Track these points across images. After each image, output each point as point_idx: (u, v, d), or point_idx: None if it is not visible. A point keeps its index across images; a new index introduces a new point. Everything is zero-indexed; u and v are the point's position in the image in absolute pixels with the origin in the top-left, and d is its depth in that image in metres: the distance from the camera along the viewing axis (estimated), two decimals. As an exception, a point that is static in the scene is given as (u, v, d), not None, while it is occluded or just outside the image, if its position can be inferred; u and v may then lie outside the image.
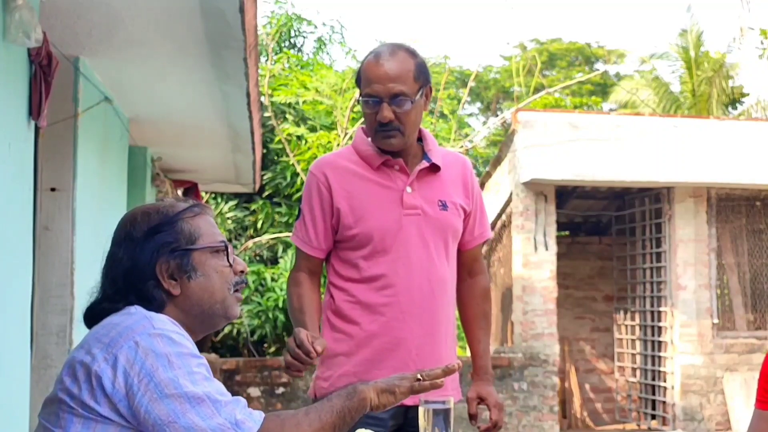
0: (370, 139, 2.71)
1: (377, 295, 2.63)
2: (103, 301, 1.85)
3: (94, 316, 1.85)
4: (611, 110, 19.50)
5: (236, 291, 1.93)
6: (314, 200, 2.68)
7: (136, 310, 1.77)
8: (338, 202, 2.64)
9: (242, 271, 1.95)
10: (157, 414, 1.65)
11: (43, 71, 3.60)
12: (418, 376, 1.92)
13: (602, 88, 22.56)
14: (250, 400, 8.89)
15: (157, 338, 1.70)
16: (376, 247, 2.62)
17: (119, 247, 1.86)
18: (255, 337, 10.09)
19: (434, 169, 2.70)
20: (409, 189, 2.66)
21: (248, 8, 3.83)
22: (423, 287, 2.64)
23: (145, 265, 1.83)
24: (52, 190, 4.46)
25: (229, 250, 1.92)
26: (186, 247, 1.85)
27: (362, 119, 5.90)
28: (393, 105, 2.57)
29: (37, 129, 3.76)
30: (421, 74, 2.62)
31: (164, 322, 1.75)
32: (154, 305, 1.81)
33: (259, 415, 1.73)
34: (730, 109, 18.00)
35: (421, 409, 2.16)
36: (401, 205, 2.64)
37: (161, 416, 1.65)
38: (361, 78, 2.63)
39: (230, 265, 1.91)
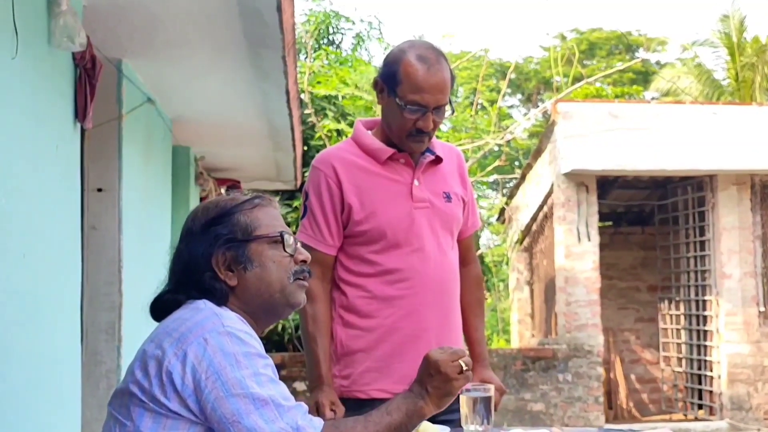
0: (372, 134, 2.70)
1: (393, 289, 2.61)
2: (166, 293, 1.89)
3: (158, 308, 1.90)
4: (653, 99, 19.31)
5: (298, 279, 1.92)
6: (324, 196, 2.63)
7: (205, 306, 1.80)
8: (348, 197, 2.61)
9: (304, 261, 1.94)
10: (222, 412, 1.68)
11: (88, 74, 3.68)
12: (464, 367, 1.89)
13: (644, 77, 22.33)
14: (295, 394, 8.98)
15: (226, 337, 1.72)
16: (389, 242, 2.61)
17: (182, 242, 1.91)
18: (300, 332, 10.16)
19: (437, 161, 2.71)
20: (416, 182, 2.65)
21: (285, 7, 3.87)
22: (438, 278, 2.65)
23: (201, 256, 1.85)
24: (99, 190, 4.55)
25: (286, 240, 1.91)
26: (241, 238, 1.87)
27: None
28: (434, 114, 2.56)
29: (83, 131, 3.85)
30: (453, 80, 2.62)
31: (234, 321, 1.77)
32: (216, 297, 1.83)
33: (318, 422, 1.74)
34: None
35: (462, 398, 2.19)
36: (411, 198, 2.63)
37: (226, 414, 1.68)
38: (402, 80, 2.54)
39: (291, 255, 1.91)
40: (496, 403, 2.77)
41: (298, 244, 1.96)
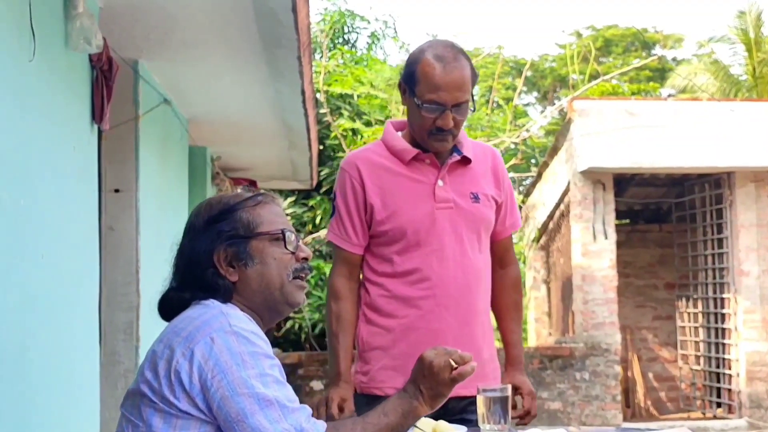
0: (401, 135, 2.72)
1: (412, 289, 2.64)
2: (170, 291, 1.91)
3: (165, 306, 1.92)
4: (670, 96, 19.23)
5: (297, 278, 1.92)
6: (349, 196, 2.69)
7: (213, 304, 1.81)
8: (371, 197, 2.66)
9: (305, 258, 1.95)
10: (228, 411, 1.69)
11: (104, 76, 3.70)
12: (453, 365, 1.86)
13: (660, 74, 22.23)
14: (312, 393, 9.00)
15: (233, 336, 1.73)
16: (409, 242, 2.63)
17: (185, 238, 1.92)
18: (316, 331, 10.18)
19: (465, 161, 2.70)
20: (440, 182, 2.66)
21: (300, 7, 3.88)
22: (458, 279, 2.65)
23: (203, 253, 1.86)
24: (116, 191, 4.57)
25: (288, 237, 1.92)
26: (243, 234, 1.88)
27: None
28: (454, 112, 2.57)
29: (100, 132, 3.87)
30: (475, 77, 2.63)
31: (241, 320, 1.78)
32: (221, 293, 1.85)
33: (322, 425, 1.75)
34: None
35: (479, 398, 2.19)
36: (434, 198, 2.64)
37: (231, 414, 1.69)
38: (420, 80, 2.57)
39: (292, 253, 1.92)
40: (531, 409, 2.76)
41: (300, 242, 1.97)
